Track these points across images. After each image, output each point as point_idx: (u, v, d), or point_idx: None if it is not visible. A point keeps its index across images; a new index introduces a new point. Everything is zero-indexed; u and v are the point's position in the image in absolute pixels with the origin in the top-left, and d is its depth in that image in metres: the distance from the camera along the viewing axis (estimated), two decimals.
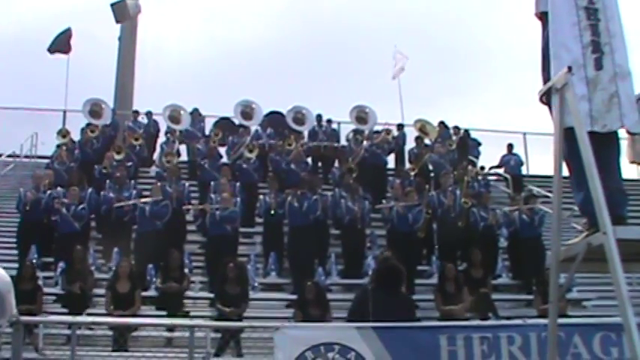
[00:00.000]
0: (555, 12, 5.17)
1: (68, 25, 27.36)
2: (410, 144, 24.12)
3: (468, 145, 24.46)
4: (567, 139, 4.98)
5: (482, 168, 23.03)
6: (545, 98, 5.29)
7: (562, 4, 5.17)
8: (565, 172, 5.26)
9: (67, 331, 12.46)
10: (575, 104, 4.83)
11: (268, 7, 57.47)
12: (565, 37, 5.10)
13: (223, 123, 24.97)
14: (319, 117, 24.16)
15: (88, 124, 22.84)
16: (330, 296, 15.10)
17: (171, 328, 13.01)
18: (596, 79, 5.07)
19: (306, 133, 23.95)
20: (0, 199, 20.75)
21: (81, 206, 16.73)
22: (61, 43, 27.03)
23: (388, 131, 23.29)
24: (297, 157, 20.75)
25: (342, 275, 16.92)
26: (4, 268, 7.76)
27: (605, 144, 5.10)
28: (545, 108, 5.39)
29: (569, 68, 4.87)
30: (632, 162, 12.46)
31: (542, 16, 5.36)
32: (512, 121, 58.86)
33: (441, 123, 24.62)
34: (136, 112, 25.08)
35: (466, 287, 15.14)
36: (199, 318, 13.81)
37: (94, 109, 23.36)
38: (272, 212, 17.09)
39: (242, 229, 17.72)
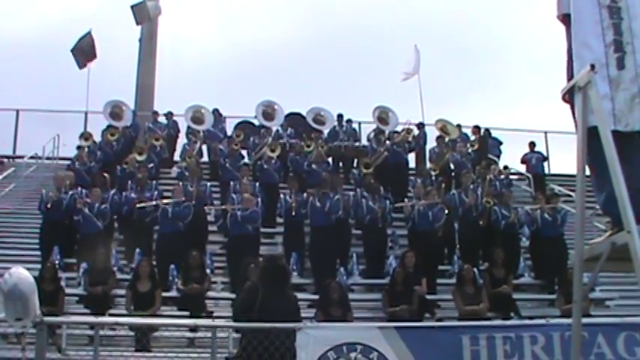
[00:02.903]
0: (577, 11, 5.14)
1: (89, 28, 27.59)
2: (430, 143, 24.04)
3: (487, 144, 24.40)
4: (589, 139, 4.95)
5: (506, 167, 22.96)
6: (568, 97, 5.25)
7: (584, 2, 5.14)
8: (588, 171, 5.22)
9: (90, 332, 12.51)
10: (599, 103, 4.80)
11: (288, 8, 57.44)
12: (587, 36, 5.06)
13: (244, 125, 24.97)
14: (340, 117, 24.15)
15: (109, 127, 22.95)
16: (351, 296, 15.13)
17: (193, 329, 13.02)
18: (619, 79, 5.03)
19: (326, 133, 23.94)
20: (22, 200, 20.86)
21: (103, 206, 16.79)
22: (87, 50, 27.17)
23: (409, 130, 23.27)
24: (318, 157, 20.76)
25: (363, 275, 16.90)
26: (27, 269, 7.83)
27: (628, 143, 5.06)
28: (567, 106, 5.36)
29: (592, 66, 4.83)
30: None
31: (565, 18, 5.32)
32: (532, 120, 58.51)
33: (458, 126, 24.49)
34: (156, 113, 25.11)
35: (485, 288, 15.13)
36: (221, 318, 13.82)
37: (115, 110, 23.46)
38: (293, 213, 17.08)
39: (263, 230, 17.74)
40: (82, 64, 27.34)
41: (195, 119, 23.68)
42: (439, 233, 17.31)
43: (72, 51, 27.19)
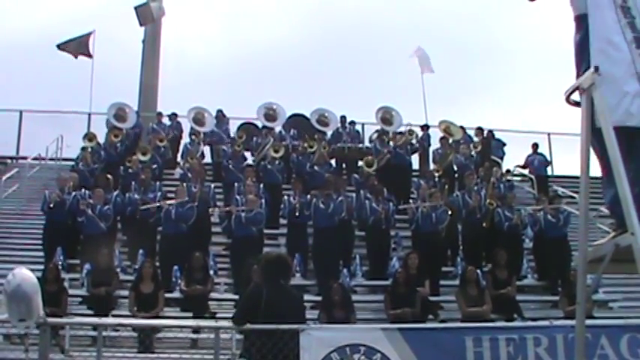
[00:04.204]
0: (597, 9, 5.10)
1: (93, 29, 27.67)
2: (434, 145, 24.03)
3: (490, 145, 24.40)
4: (600, 136, 4.91)
5: (508, 171, 22.96)
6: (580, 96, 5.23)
7: (603, 2, 5.11)
8: (592, 172, 5.21)
9: (93, 333, 12.53)
10: (602, 103, 4.78)
11: (290, 9, 57.48)
12: (611, 34, 5.04)
13: (247, 127, 24.98)
14: (343, 118, 24.15)
15: (112, 126, 22.98)
16: (354, 297, 15.13)
17: (196, 330, 13.02)
18: None
19: (329, 135, 23.95)
20: (26, 201, 20.88)
21: (106, 207, 16.80)
22: (79, 45, 27.23)
23: (411, 132, 23.26)
24: (321, 158, 20.77)
25: (366, 277, 16.91)
26: (31, 270, 7.83)
27: None
28: (571, 108, 5.34)
29: (596, 68, 4.83)
30: None
31: (578, 18, 5.30)
32: (536, 121, 58.52)
33: (461, 127, 24.48)
34: (160, 114, 25.13)
35: (488, 289, 15.12)
36: (224, 320, 13.82)
37: (119, 113, 23.47)
38: (297, 214, 17.08)
39: (266, 231, 17.74)
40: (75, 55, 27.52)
41: (197, 120, 23.75)
42: (442, 235, 17.31)
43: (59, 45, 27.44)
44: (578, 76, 5.25)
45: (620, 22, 5.07)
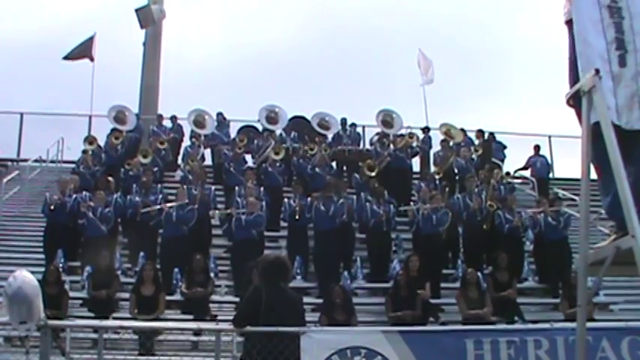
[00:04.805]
0: (578, 11, 5.13)
1: (94, 32, 27.66)
2: (436, 147, 24.00)
3: (492, 148, 24.40)
4: (596, 141, 4.93)
5: (508, 174, 22.95)
6: (572, 101, 5.24)
7: (584, 2, 5.12)
8: (593, 175, 5.21)
9: (94, 335, 12.52)
10: (603, 105, 4.79)
11: (292, 11, 57.41)
12: (588, 34, 5.05)
13: (247, 129, 24.97)
14: (344, 121, 24.12)
15: (113, 130, 22.96)
16: (355, 300, 15.11)
17: (197, 332, 13.01)
18: (620, 76, 5.01)
19: (330, 137, 23.94)
20: (26, 203, 20.88)
21: (107, 209, 16.80)
22: (83, 50, 27.26)
23: (411, 135, 23.27)
24: (322, 161, 20.75)
25: (367, 279, 16.90)
26: (31, 272, 7.83)
27: (635, 142, 5.04)
28: (571, 110, 5.35)
29: (597, 71, 4.83)
30: None
31: (569, 23, 5.32)
32: (536, 124, 58.44)
33: (462, 130, 24.48)
34: (161, 117, 25.12)
35: (489, 292, 15.11)
36: (225, 322, 13.81)
37: (119, 116, 23.47)
38: (297, 217, 17.07)
39: (267, 233, 17.73)
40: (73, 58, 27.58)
41: (197, 123, 23.74)
42: (443, 237, 17.30)
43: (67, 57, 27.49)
44: (571, 79, 5.27)
45: (602, 22, 5.07)
